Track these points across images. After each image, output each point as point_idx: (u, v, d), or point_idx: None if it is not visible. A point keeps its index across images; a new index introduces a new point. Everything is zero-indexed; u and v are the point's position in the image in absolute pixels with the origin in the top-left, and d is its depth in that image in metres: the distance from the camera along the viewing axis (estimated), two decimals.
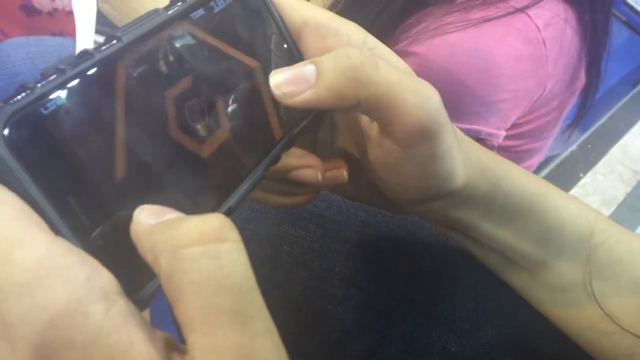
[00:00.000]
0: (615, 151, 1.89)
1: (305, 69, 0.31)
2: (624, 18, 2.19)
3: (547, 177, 1.62)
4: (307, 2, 0.34)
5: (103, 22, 0.80)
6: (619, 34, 2.13)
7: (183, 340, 0.21)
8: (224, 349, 0.20)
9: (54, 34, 1.18)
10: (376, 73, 0.30)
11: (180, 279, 0.21)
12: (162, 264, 0.21)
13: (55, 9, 1.17)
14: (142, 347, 0.20)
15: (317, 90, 0.30)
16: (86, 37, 0.74)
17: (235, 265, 0.21)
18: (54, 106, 0.22)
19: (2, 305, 0.19)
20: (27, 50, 0.82)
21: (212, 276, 0.20)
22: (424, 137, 0.32)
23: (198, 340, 0.20)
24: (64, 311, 0.19)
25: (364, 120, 0.35)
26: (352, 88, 0.30)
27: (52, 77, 0.23)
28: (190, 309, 0.20)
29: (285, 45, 0.34)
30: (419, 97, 0.31)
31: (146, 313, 0.25)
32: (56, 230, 0.22)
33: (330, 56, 0.30)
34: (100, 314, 0.20)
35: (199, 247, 0.21)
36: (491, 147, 0.74)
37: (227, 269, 0.21)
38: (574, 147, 1.81)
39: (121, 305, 0.21)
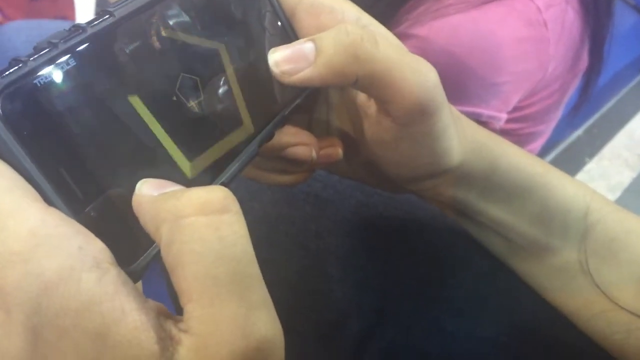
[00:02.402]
0: (622, 136, 1.88)
1: (304, 47, 0.31)
2: (632, 2, 2.17)
3: (553, 162, 1.61)
4: None
5: (103, 6, 0.80)
6: (627, 19, 2.10)
7: (178, 312, 0.22)
8: (220, 319, 0.20)
9: (55, 18, 1.19)
10: (376, 50, 0.30)
11: (180, 248, 0.21)
12: (163, 232, 0.21)
13: None
14: (134, 314, 0.20)
15: (316, 68, 0.30)
16: (85, 18, 0.74)
17: (236, 237, 0.21)
18: (46, 79, 0.23)
19: None
20: (27, 34, 0.82)
21: (213, 247, 0.21)
22: (421, 115, 0.32)
23: (195, 310, 0.20)
24: (57, 279, 0.20)
25: (361, 98, 0.35)
26: (351, 65, 0.30)
27: (45, 51, 0.23)
28: (189, 278, 0.21)
29: (279, 23, 0.34)
30: (417, 74, 0.31)
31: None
32: (50, 202, 0.22)
33: (329, 33, 0.30)
34: (93, 282, 0.20)
35: (201, 217, 0.21)
36: (493, 130, 0.74)
37: (228, 241, 0.21)
38: (580, 132, 1.80)
39: (113, 274, 0.21)
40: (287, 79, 0.31)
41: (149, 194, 0.23)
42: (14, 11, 1.15)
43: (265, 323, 0.21)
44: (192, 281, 0.20)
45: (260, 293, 0.21)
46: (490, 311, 0.45)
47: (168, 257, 0.21)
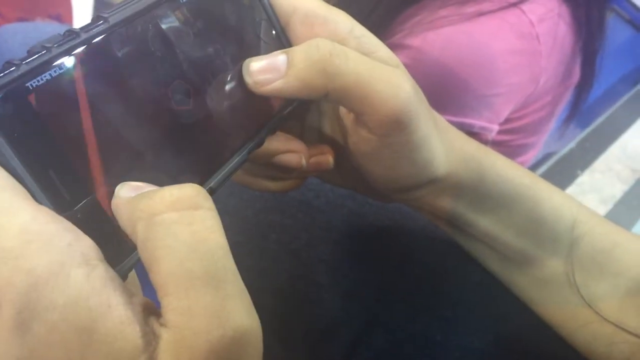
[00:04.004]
0: (614, 149, 1.89)
1: (277, 59, 0.31)
2: (627, 16, 2.18)
3: (545, 174, 1.62)
4: None
5: (101, 10, 0.80)
6: (621, 32, 2.12)
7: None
8: (196, 311, 0.21)
9: (50, 16, 1.18)
10: (344, 65, 0.30)
11: (155, 245, 0.21)
12: (139, 230, 0.22)
13: None
14: (120, 309, 0.21)
15: (286, 80, 0.31)
16: (82, 23, 0.74)
17: (209, 231, 0.22)
18: (38, 82, 0.23)
19: None
20: (24, 36, 0.82)
21: (186, 241, 0.21)
22: (396, 126, 0.32)
23: (171, 303, 0.21)
24: (47, 275, 0.20)
25: (342, 109, 0.35)
26: (319, 78, 0.30)
27: (38, 55, 0.23)
28: (163, 272, 0.21)
29: (273, 32, 0.34)
30: (390, 86, 0.31)
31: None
32: (38, 203, 0.22)
33: (302, 47, 0.31)
34: (81, 278, 0.20)
35: (173, 213, 0.22)
36: (484, 141, 0.74)
37: (200, 235, 0.21)
38: (572, 145, 1.81)
39: (101, 270, 0.21)
40: (259, 89, 0.32)
41: (127, 196, 0.24)
42: (9, 8, 1.15)
43: (240, 313, 0.21)
44: (167, 275, 0.21)
45: (235, 284, 0.22)
46: (479, 321, 0.45)
47: (144, 254, 0.22)
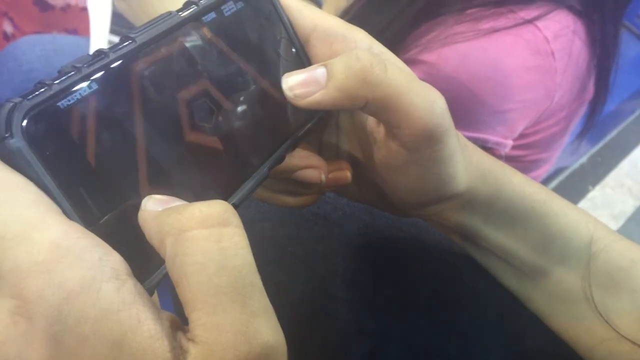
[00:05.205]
0: (625, 165, 1.88)
1: (316, 72, 0.32)
2: (637, 32, 2.18)
3: (556, 189, 1.62)
4: (316, 8, 0.35)
5: (117, 23, 0.81)
6: (632, 48, 2.12)
7: (184, 323, 0.22)
8: (224, 326, 0.21)
9: (67, 30, 1.20)
10: (384, 75, 0.31)
11: (184, 260, 0.22)
12: (167, 246, 0.22)
13: (69, 5, 1.19)
14: (150, 323, 0.21)
15: (327, 91, 0.31)
16: (100, 37, 0.75)
17: (237, 248, 0.22)
18: (70, 102, 0.24)
19: (21, 283, 0.20)
20: (42, 48, 0.83)
21: (214, 257, 0.22)
22: (429, 140, 0.32)
23: (200, 318, 0.21)
24: (78, 288, 0.20)
25: (371, 122, 0.36)
26: (360, 88, 0.31)
27: (69, 75, 0.24)
28: (192, 288, 0.21)
29: (293, 50, 0.35)
30: (426, 100, 0.31)
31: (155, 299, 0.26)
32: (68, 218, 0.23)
33: (341, 58, 0.31)
34: (112, 292, 0.21)
35: (202, 230, 0.22)
36: (498, 157, 0.74)
37: (229, 252, 0.22)
38: (583, 160, 1.80)
39: (131, 285, 0.22)
40: (300, 102, 0.32)
41: (154, 209, 0.24)
42: (26, 22, 1.17)
43: (267, 329, 0.21)
44: (196, 291, 0.21)
45: (261, 301, 0.22)
46: (495, 337, 0.45)
47: (172, 270, 0.22)
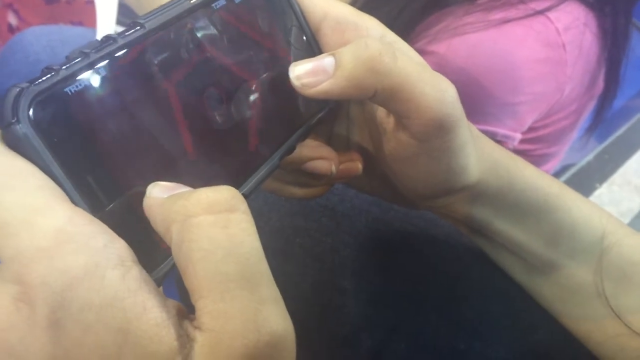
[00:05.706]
0: (632, 163, 1.87)
1: (324, 61, 0.31)
2: None
3: None
4: None
5: (124, 14, 0.81)
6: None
7: (190, 311, 0.22)
8: (232, 314, 0.20)
9: (72, 23, 1.20)
10: (394, 64, 0.30)
11: (190, 247, 0.21)
12: (173, 232, 0.22)
13: None
14: (155, 311, 0.21)
15: (335, 80, 0.31)
16: (107, 28, 0.75)
17: (244, 235, 0.22)
18: (77, 88, 0.23)
19: (24, 269, 0.20)
20: (48, 38, 0.83)
21: (221, 244, 0.21)
22: (439, 130, 0.32)
23: (207, 306, 0.21)
24: (82, 275, 0.20)
25: (380, 113, 0.35)
26: (369, 78, 0.30)
27: (76, 60, 0.23)
28: (199, 275, 0.21)
29: (304, 38, 0.34)
30: (436, 90, 0.31)
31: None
32: (75, 205, 0.22)
33: (349, 47, 0.31)
34: (117, 279, 0.20)
35: (209, 216, 0.21)
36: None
37: (236, 238, 0.21)
38: (590, 157, 1.80)
39: (136, 272, 0.21)
40: (307, 92, 0.32)
41: (159, 196, 0.24)
42: (31, 15, 1.17)
43: (276, 318, 0.21)
44: (202, 278, 0.21)
45: (270, 288, 0.22)
46: (504, 332, 0.44)
47: (179, 257, 0.22)
